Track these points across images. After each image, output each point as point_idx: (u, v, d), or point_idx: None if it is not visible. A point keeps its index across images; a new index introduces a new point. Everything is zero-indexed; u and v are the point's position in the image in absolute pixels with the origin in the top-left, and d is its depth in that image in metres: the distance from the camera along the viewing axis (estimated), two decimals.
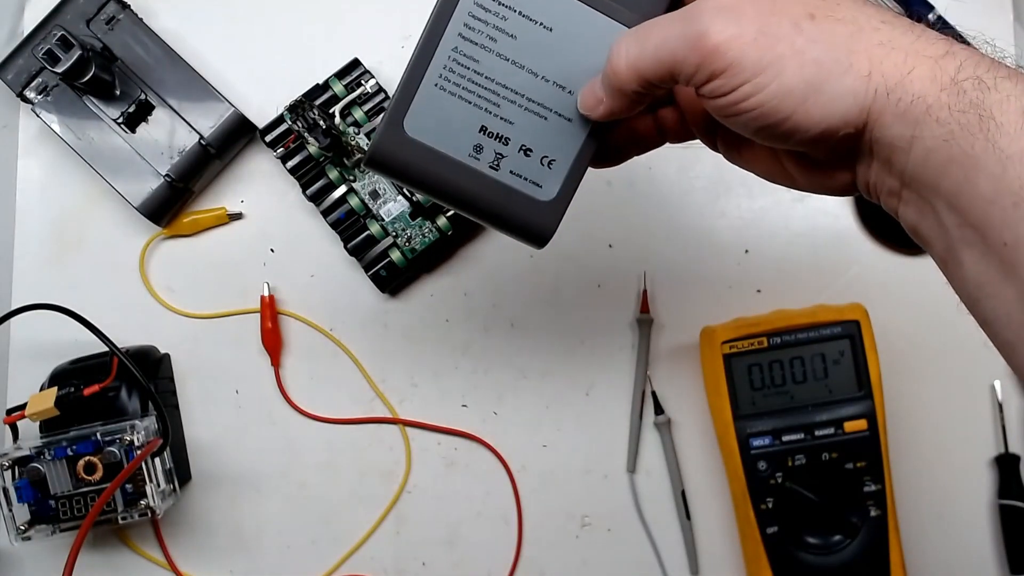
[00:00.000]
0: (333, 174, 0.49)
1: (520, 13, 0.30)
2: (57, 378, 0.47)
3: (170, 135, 0.49)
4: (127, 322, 0.50)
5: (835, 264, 0.51)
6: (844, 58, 0.25)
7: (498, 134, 0.31)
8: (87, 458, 0.44)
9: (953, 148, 0.23)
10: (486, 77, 0.31)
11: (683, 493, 0.49)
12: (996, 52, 0.26)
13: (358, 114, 0.50)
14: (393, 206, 0.49)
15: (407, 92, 0.30)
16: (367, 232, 0.49)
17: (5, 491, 0.44)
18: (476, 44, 0.30)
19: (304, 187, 0.49)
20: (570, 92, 0.31)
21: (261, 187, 0.52)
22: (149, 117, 0.49)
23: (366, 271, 0.49)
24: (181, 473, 0.48)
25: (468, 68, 0.30)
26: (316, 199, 0.49)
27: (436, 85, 0.30)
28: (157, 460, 0.44)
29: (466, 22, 0.30)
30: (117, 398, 0.46)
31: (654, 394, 0.50)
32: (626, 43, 0.28)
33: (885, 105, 0.25)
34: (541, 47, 0.31)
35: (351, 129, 0.49)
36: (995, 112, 0.23)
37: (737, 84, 0.26)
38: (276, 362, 0.50)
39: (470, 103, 0.31)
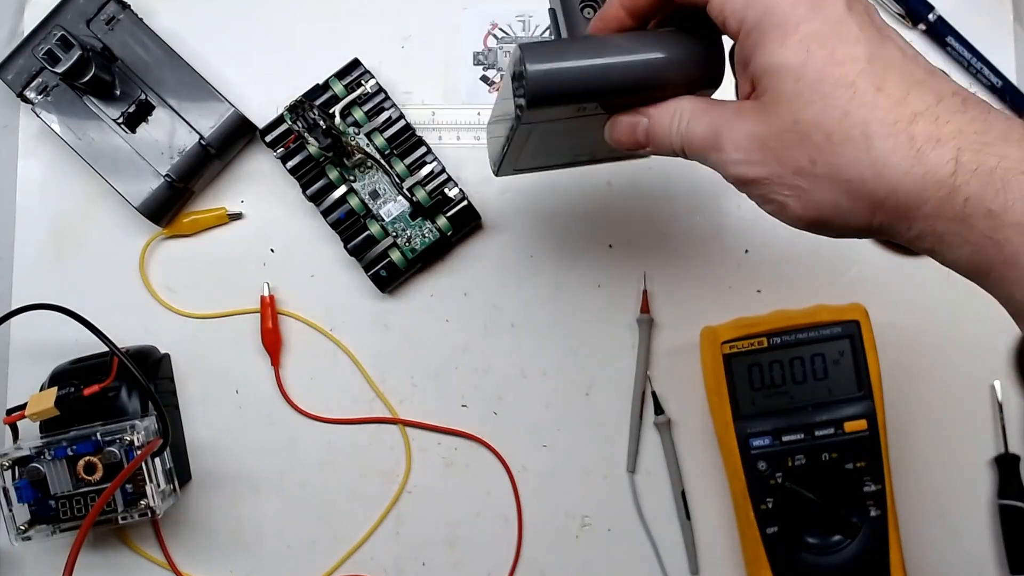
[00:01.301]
0: (333, 174, 0.49)
1: None
2: (57, 378, 0.47)
3: (170, 135, 0.49)
4: (127, 322, 0.50)
5: (835, 264, 0.51)
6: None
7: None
8: (87, 458, 0.44)
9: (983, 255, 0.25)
10: None
11: (683, 493, 0.49)
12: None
13: (358, 114, 0.50)
14: (393, 206, 0.49)
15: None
16: (367, 232, 0.49)
17: (5, 491, 0.44)
18: None
19: (304, 187, 0.49)
20: None
21: (261, 187, 0.52)
22: (149, 117, 0.49)
23: (366, 271, 0.49)
24: (181, 473, 0.48)
25: None
26: (316, 199, 0.49)
27: None
28: (157, 460, 0.44)
29: None
30: (117, 398, 0.46)
31: (654, 394, 0.50)
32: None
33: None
34: None
35: (351, 129, 0.49)
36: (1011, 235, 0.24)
37: None
38: (276, 362, 0.50)
39: None
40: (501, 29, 0.52)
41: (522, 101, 0.30)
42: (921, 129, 0.25)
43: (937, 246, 0.26)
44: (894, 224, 0.27)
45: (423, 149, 0.50)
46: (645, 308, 0.50)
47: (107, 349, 0.45)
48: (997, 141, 0.25)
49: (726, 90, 0.32)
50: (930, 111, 0.25)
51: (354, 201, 0.49)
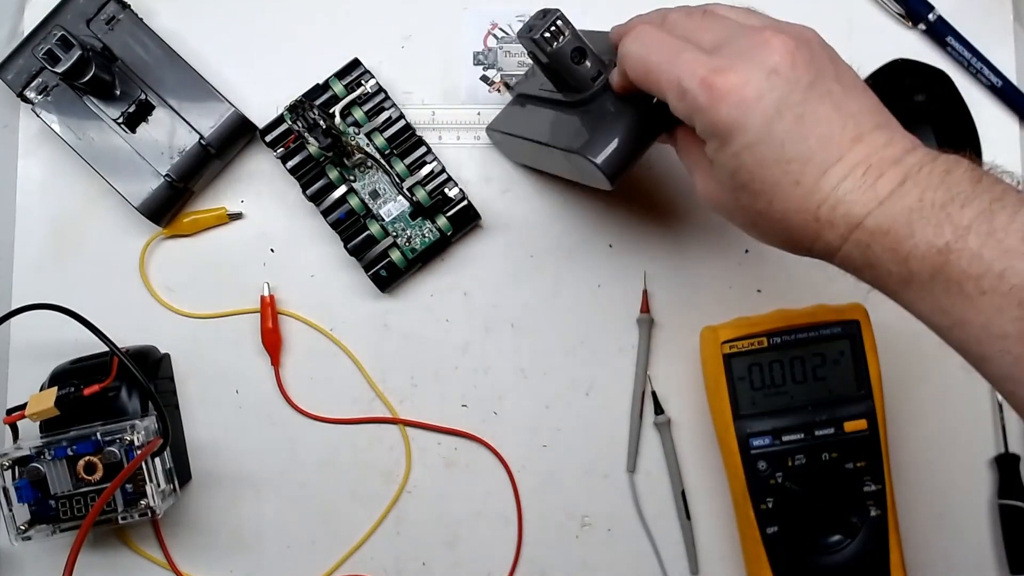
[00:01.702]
0: (333, 174, 0.49)
1: None
2: (57, 378, 0.47)
3: (170, 135, 0.49)
4: (127, 322, 0.50)
5: None
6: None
7: None
8: (87, 458, 0.44)
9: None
10: None
11: (683, 493, 0.49)
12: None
13: (358, 114, 0.50)
14: (393, 206, 0.49)
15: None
16: (367, 232, 0.49)
17: (5, 491, 0.44)
18: None
19: (304, 187, 0.49)
20: None
21: (261, 187, 0.52)
22: (149, 117, 0.49)
23: (366, 271, 0.49)
24: (181, 473, 0.48)
25: None
26: (316, 199, 0.49)
27: None
28: (157, 460, 0.44)
29: None
30: (117, 398, 0.46)
31: (654, 394, 0.50)
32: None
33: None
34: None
35: (351, 129, 0.49)
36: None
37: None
38: (276, 362, 0.50)
39: None
40: (501, 29, 0.52)
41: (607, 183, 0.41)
42: (823, 213, 0.32)
43: (856, 276, 0.34)
44: (822, 257, 0.34)
45: (423, 149, 0.50)
46: (645, 308, 0.50)
47: (107, 349, 0.45)
48: (876, 212, 0.31)
49: None
50: (831, 196, 0.32)
51: (354, 201, 0.49)
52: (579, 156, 0.41)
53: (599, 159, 0.40)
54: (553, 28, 0.40)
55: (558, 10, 0.40)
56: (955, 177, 0.30)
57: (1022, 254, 0.28)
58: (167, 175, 0.49)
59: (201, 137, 0.49)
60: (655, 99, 0.38)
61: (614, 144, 0.40)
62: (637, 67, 0.36)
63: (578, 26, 0.42)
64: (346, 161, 0.49)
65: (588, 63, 0.41)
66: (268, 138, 0.50)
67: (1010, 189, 0.30)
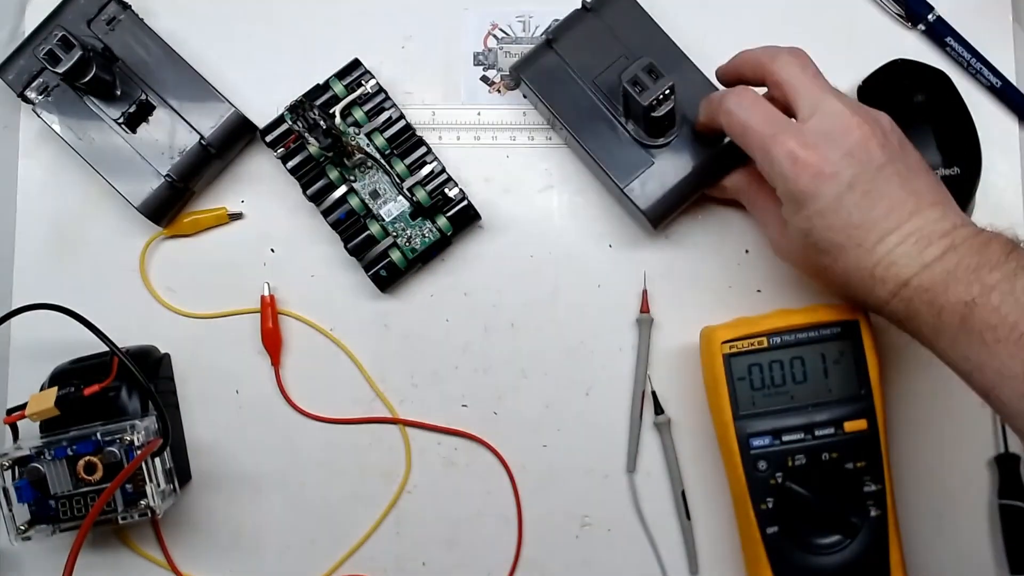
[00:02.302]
0: (333, 174, 0.49)
1: None
2: (57, 378, 0.47)
3: (171, 135, 0.49)
4: (127, 322, 0.50)
5: None
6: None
7: None
8: (87, 458, 0.44)
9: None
10: None
11: (683, 493, 0.49)
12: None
13: (358, 114, 0.50)
14: (393, 206, 0.49)
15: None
16: (367, 232, 0.49)
17: (5, 491, 0.44)
18: None
19: (304, 187, 0.49)
20: None
21: (261, 187, 0.52)
22: (150, 117, 0.49)
23: (366, 271, 0.49)
24: (181, 473, 0.48)
25: None
26: (316, 199, 0.49)
27: None
28: (157, 460, 0.44)
29: None
30: (117, 398, 0.46)
31: (654, 394, 0.50)
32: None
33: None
34: None
35: (351, 129, 0.49)
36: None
37: None
38: (276, 362, 0.50)
39: None
40: (501, 30, 0.52)
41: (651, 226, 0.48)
42: (877, 272, 0.38)
43: (899, 327, 0.40)
44: (873, 310, 0.41)
45: (423, 149, 0.50)
46: (645, 308, 0.50)
47: (107, 349, 0.45)
48: (920, 273, 0.37)
49: None
50: (886, 258, 0.38)
51: (354, 201, 0.49)
52: (628, 199, 0.47)
53: (647, 208, 0.47)
54: (662, 96, 0.44)
55: (672, 82, 0.44)
56: (991, 248, 0.36)
57: None
58: (167, 175, 0.49)
59: (201, 137, 0.49)
60: (722, 144, 0.46)
61: (666, 195, 0.47)
62: (735, 126, 0.41)
63: None
64: (346, 161, 0.49)
65: (674, 124, 0.47)
66: (268, 138, 0.50)
67: None
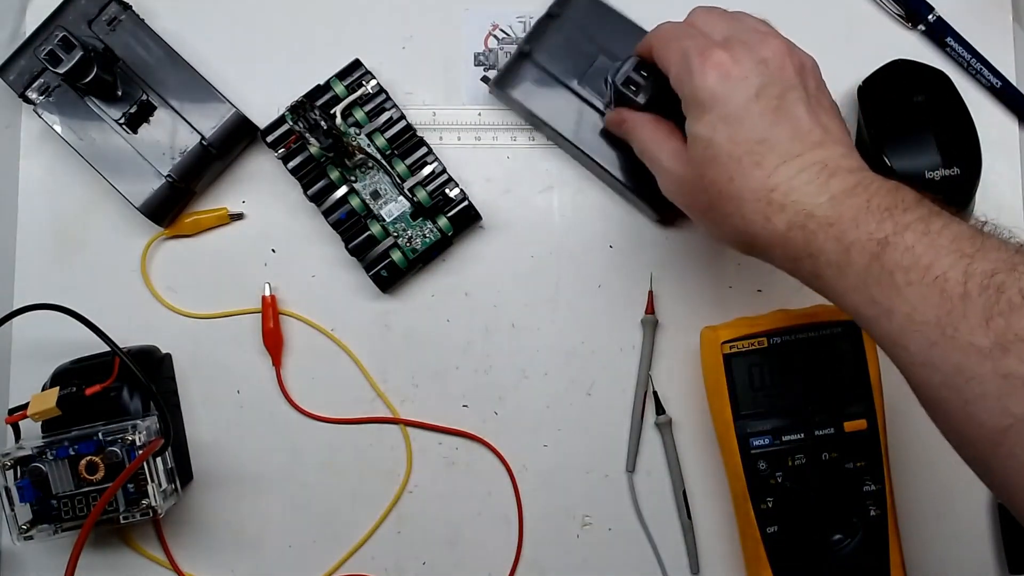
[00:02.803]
0: (334, 175, 0.49)
1: None
2: (59, 378, 0.47)
3: (172, 136, 0.49)
4: (129, 322, 0.50)
5: None
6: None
7: None
8: (89, 458, 0.44)
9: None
10: None
11: (684, 493, 0.49)
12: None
13: (359, 115, 0.50)
14: (394, 206, 0.49)
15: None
16: (368, 232, 0.49)
17: (7, 491, 0.44)
18: None
19: (305, 187, 0.49)
20: None
21: (262, 187, 0.52)
22: (151, 118, 0.49)
23: (367, 271, 0.49)
24: (183, 473, 0.49)
25: None
26: (317, 199, 0.49)
27: None
28: (159, 460, 0.44)
29: None
30: (119, 398, 0.46)
31: (655, 394, 0.50)
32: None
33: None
34: None
35: (352, 130, 0.50)
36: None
37: None
38: (277, 362, 0.51)
39: None
40: (502, 30, 0.52)
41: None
42: (775, 197, 0.35)
43: (792, 275, 0.37)
44: (763, 257, 0.38)
45: (424, 149, 0.50)
46: (650, 309, 0.50)
47: (109, 349, 0.45)
48: (825, 204, 0.34)
49: None
50: (785, 183, 0.35)
51: (355, 201, 0.49)
52: (637, 199, 0.49)
53: (659, 205, 0.47)
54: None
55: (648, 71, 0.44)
56: (902, 192, 0.34)
57: (949, 252, 0.31)
58: (168, 175, 0.49)
59: (202, 138, 0.49)
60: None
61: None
62: (658, 40, 0.40)
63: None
64: (347, 162, 0.49)
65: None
66: (269, 139, 0.50)
67: (947, 210, 0.34)
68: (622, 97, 0.46)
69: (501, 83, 0.50)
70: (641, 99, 0.44)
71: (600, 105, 0.49)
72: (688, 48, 0.38)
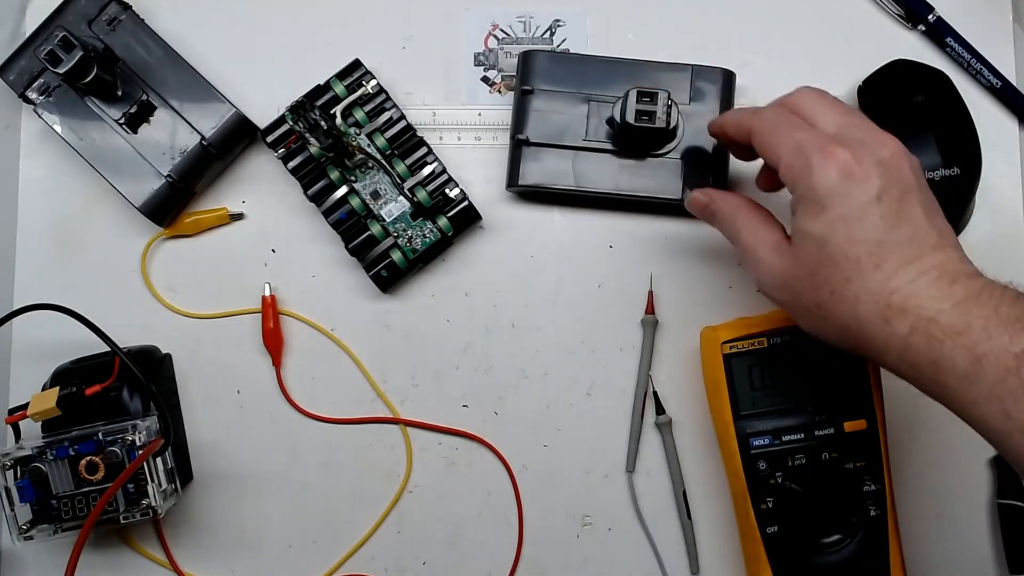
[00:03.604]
0: (334, 175, 0.49)
1: None
2: (59, 378, 0.47)
3: (172, 136, 0.49)
4: (129, 322, 0.50)
5: None
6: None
7: None
8: (89, 458, 0.44)
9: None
10: None
11: (684, 493, 0.49)
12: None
13: (359, 115, 0.50)
14: (394, 206, 0.49)
15: None
16: (368, 232, 0.49)
17: (7, 491, 0.44)
18: None
19: (305, 188, 0.49)
20: None
21: (262, 187, 0.52)
22: (151, 118, 0.49)
23: (367, 271, 0.49)
24: (183, 473, 0.49)
25: None
26: (317, 199, 0.49)
27: None
28: (159, 460, 0.44)
29: None
30: (119, 398, 0.46)
31: (655, 394, 0.50)
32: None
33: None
34: None
35: (352, 130, 0.50)
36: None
37: None
38: (277, 362, 0.51)
39: None
40: (502, 30, 0.52)
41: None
42: (895, 300, 0.34)
43: (906, 379, 0.36)
44: (873, 358, 0.36)
45: (424, 149, 0.50)
46: (650, 309, 0.50)
47: (109, 349, 0.45)
48: (949, 310, 0.33)
49: None
50: (906, 287, 0.34)
51: (355, 201, 0.49)
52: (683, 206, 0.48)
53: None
54: (668, 107, 0.46)
55: (667, 91, 0.46)
56: None
57: None
58: (168, 175, 0.49)
59: (202, 138, 0.49)
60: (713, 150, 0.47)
61: (711, 182, 0.48)
62: (765, 127, 0.39)
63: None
64: (347, 162, 0.49)
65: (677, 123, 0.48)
66: (269, 139, 0.50)
67: None
68: (637, 132, 0.46)
69: (512, 182, 0.49)
70: (660, 123, 0.45)
71: (609, 146, 0.48)
72: (803, 142, 0.36)
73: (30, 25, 0.51)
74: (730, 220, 0.42)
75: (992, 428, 0.33)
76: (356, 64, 0.50)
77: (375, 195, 0.49)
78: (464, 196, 0.49)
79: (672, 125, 0.46)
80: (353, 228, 0.49)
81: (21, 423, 0.45)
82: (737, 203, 0.42)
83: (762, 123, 0.39)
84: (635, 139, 0.48)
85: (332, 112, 0.49)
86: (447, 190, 0.49)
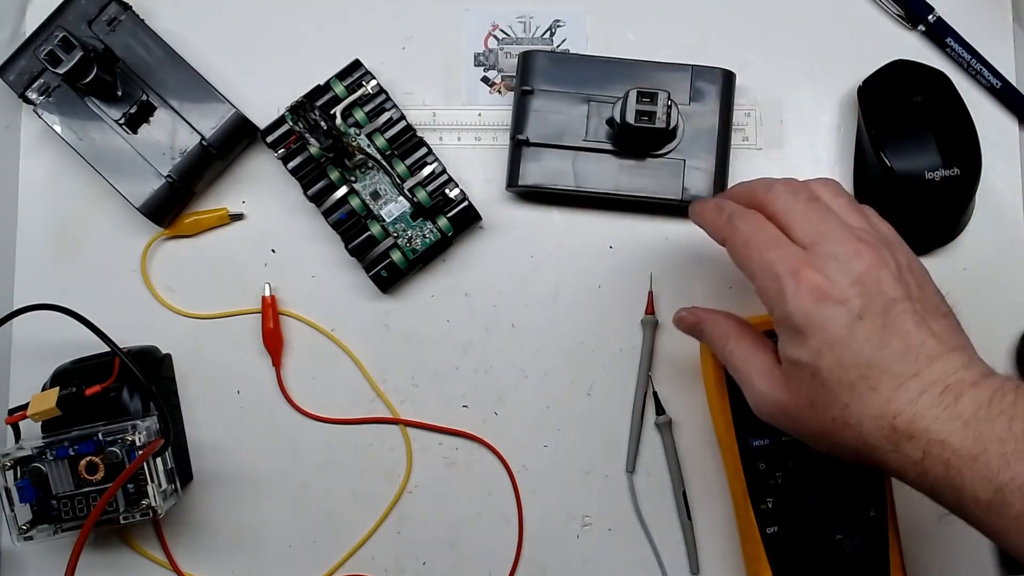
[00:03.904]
0: (334, 175, 0.49)
1: None
2: (59, 378, 0.47)
3: (172, 136, 0.49)
4: (129, 322, 0.50)
5: None
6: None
7: None
8: (89, 458, 0.44)
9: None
10: None
11: (684, 493, 0.49)
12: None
13: (359, 115, 0.50)
14: (394, 207, 0.49)
15: None
16: (368, 233, 0.49)
17: (7, 491, 0.44)
18: None
19: (305, 188, 0.49)
20: None
21: (262, 188, 0.52)
22: (151, 118, 0.49)
23: (367, 271, 0.49)
24: (183, 473, 0.49)
25: None
26: (317, 200, 0.49)
27: None
28: (159, 460, 0.44)
29: None
30: (119, 398, 0.46)
31: (655, 394, 0.50)
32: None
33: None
34: None
35: (352, 130, 0.50)
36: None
37: None
38: (277, 362, 0.51)
39: None
40: (502, 30, 0.52)
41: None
42: (900, 424, 0.32)
43: (930, 497, 0.34)
44: (894, 476, 0.34)
45: (424, 150, 0.50)
46: (650, 309, 0.50)
47: (109, 349, 0.45)
48: (960, 431, 0.31)
49: None
50: (908, 409, 0.32)
51: (355, 202, 0.49)
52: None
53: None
54: (668, 107, 0.46)
55: (666, 91, 0.46)
56: None
57: None
58: (168, 176, 0.49)
59: (202, 138, 0.49)
60: None
61: (711, 177, 0.48)
62: (738, 241, 0.37)
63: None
64: (347, 162, 0.49)
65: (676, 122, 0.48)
66: (269, 139, 0.50)
67: None
68: (637, 132, 0.46)
69: (512, 182, 0.49)
70: (660, 124, 0.45)
71: (609, 146, 0.49)
72: (774, 263, 0.35)
73: (30, 25, 0.51)
74: (720, 343, 0.41)
75: (1020, 556, 0.31)
76: (356, 64, 0.50)
77: (375, 195, 0.50)
78: (464, 196, 0.49)
79: (672, 125, 0.46)
80: (353, 228, 0.49)
81: (21, 423, 0.45)
82: (726, 325, 0.41)
83: (735, 237, 0.37)
84: (635, 139, 0.48)
85: (332, 112, 0.49)
86: (447, 190, 0.49)
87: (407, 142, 0.50)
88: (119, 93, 0.49)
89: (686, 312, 0.44)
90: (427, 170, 0.49)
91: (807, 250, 0.35)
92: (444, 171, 0.50)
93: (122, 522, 0.44)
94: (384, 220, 0.49)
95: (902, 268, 0.35)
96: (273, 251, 0.51)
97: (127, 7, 0.49)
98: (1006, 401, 0.32)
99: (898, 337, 0.33)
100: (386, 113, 0.50)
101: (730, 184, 0.50)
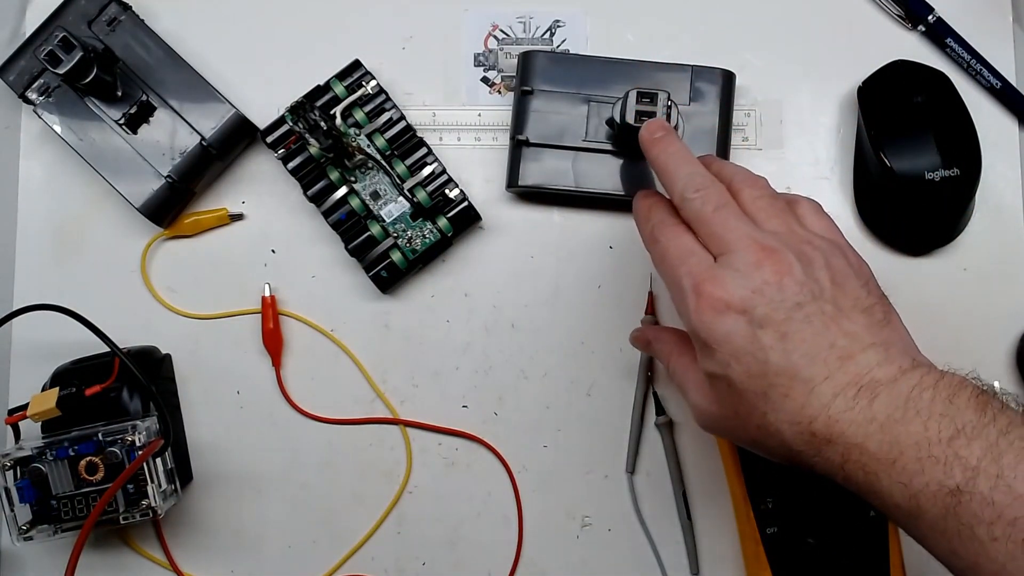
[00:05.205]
0: (334, 175, 0.49)
1: None
2: (59, 378, 0.47)
3: (171, 136, 0.49)
4: (128, 322, 0.50)
5: None
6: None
7: None
8: (89, 458, 0.44)
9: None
10: None
11: (684, 493, 0.49)
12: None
13: (359, 115, 0.50)
14: (394, 207, 0.49)
15: None
16: (368, 233, 0.49)
17: (7, 491, 0.44)
18: None
19: (305, 188, 0.49)
20: None
21: (262, 188, 0.52)
22: (151, 118, 0.49)
23: (367, 272, 0.49)
24: (183, 473, 0.49)
25: None
26: (317, 200, 0.49)
27: None
28: (159, 460, 0.44)
29: None
30: (119, 398, 0.46)
31: (655, 394, 0.50)
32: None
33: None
34: None
35: (352, 130, 0.50)
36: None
37: None
38: (277, 363, 0.51)
39: None
40: (502, 30, 0.52)
41: None
42: (817, 428, 0.32)
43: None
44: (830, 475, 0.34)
45: (424, 150, 0.50)
46: (650, 309, 0.50)
47: (109, 349, 0.45)
48: (876, 435, 0.31)
49: None
50: (823, 414, 0.32)
51: (355, 202, 0.49)
52: None
53: None
54: (668, 107, 0.45)
55: (667, 91, 0.45)
56: (959, 405, 0.31)
57: None
58: (168, 176, 0.49)
59: (202, 138, 0.49)
60: None
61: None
62: (656, 254, 0.38)
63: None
64: (347, 162, 0.49)
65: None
66: (269, 139, 0.50)
67: (1015, 419, 0.30)
68: (637, 133, 0.46)
69: (512, 182, 0.49)
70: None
71: (609, 147, 0.49)
72: (682, 278, 0.35)
73: (30, 25, 0.51)
74: (665, 360, 0.41)
75: (944, 563, 0.31)
76: (356, 64, 0.50)
77: (375, 195, 0.50)
78: (464, 196, 0.49)
79: (672, 125, 0.46)
80: (353, 228, 0.49)
81: (21, 423, 0.45)
82: (671, 341, 0.41)
83: (655, 249, 0.38)
84: (635, 139, 0.48)
85: (332, 112, 0.49)
86: (447, 190, 0.49)
87: (407, 142, 0.50)
88: (119, 93, 0.49)
89: (639, 331, 0.46)
90: (427, 170, 0.49)
91: (716, 261, 0.35)
92: (444, 171, 0.50)
93: (122, 522, 0.44)
94: (384, 220, 0.49)
95: (814, 269, 0.34)
96: (273, 251, 0.51)
97: (127, 7, 0.49)
98: (923, 400, 0.31)
99: (804, 342, 0.33)
100: (386, 113, 0.50)
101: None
